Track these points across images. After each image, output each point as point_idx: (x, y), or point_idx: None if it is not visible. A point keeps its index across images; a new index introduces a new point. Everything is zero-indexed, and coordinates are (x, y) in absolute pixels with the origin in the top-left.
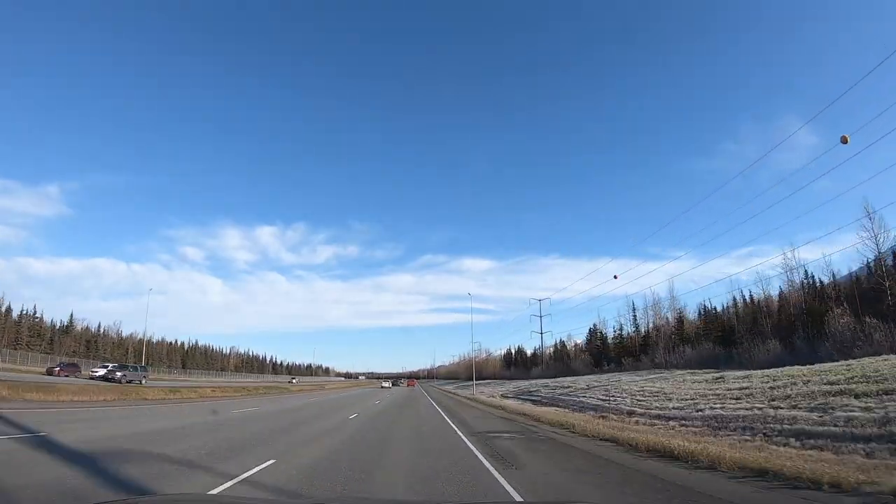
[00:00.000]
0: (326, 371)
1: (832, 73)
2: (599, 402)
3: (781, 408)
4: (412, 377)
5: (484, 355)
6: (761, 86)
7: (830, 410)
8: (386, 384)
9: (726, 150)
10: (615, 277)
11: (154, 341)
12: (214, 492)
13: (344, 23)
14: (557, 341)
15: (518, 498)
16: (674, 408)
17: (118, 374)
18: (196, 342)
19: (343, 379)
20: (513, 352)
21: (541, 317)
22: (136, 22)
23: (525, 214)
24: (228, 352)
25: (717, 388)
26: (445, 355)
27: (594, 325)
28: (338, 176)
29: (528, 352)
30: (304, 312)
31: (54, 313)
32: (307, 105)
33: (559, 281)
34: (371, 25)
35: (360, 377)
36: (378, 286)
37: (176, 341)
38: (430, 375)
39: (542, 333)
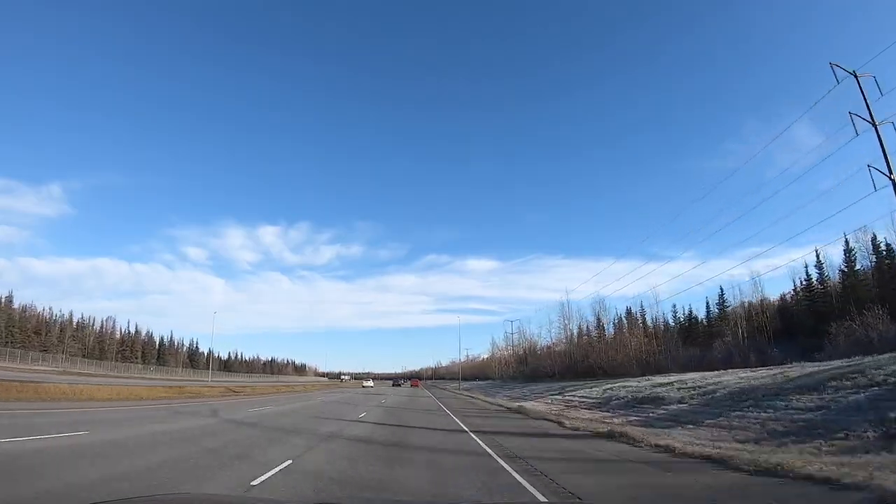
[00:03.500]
0: (301, 369)
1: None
2: None
3: None
4: (415, 377)
5: (570, 331)
6: (765, 85)
7: None
8: (368, 384)
9: (731, 150)
10: None
11: None
12: None
13: (348, 22)
14: None
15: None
16: None
17: None
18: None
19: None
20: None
21: (872, 118)
22: (138, 21)
23: (529, 214)
24: (78, 321)
25: None
26: (453, 355)
27: None
28: (341, 175)
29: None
30: (307, 313)
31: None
32: (311, 104)
33: (564, 282)
34: (375, 25)
35: (343, 377)
36: (381, 286)
37: None
38: (435, 375)
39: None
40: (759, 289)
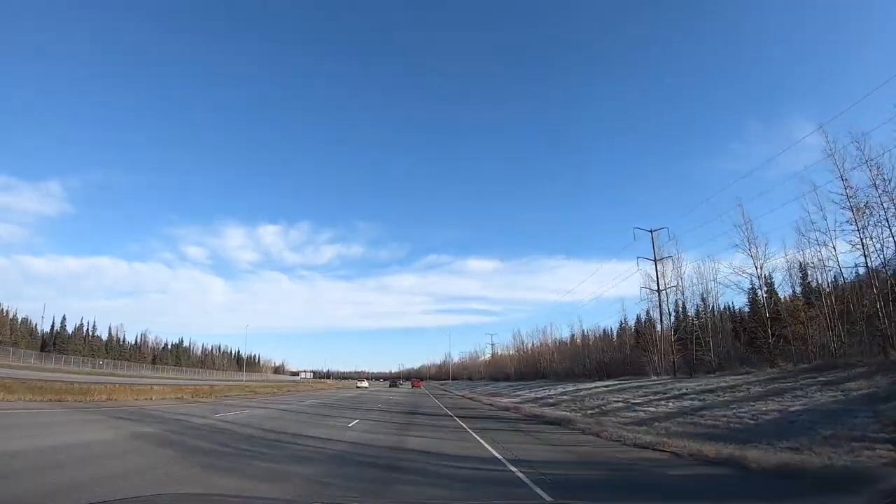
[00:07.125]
0: (255, 364)
1: (836, 71)
2: None
3: None
4: (416, 376)
5: None
6: (765, 85)
7: None
8: (363, 384)
9: (732, 150)
10: None
11: None
12: None
13: (349, 22)
14: None
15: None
16: None
17: None
18: None
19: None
20: None
21: None
22: (138, 18)
23: (530, 214)
24: None
25: None
26: (465, 349)
27: None
28: (342, 175)
29: None
30: (307, 312)
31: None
32: (311, 103)
33: (565, 283)
34: (375, 25)
35: (301, 374)
36: (382, 286)
37: None
38: (443, 374)
39: None
40: None
